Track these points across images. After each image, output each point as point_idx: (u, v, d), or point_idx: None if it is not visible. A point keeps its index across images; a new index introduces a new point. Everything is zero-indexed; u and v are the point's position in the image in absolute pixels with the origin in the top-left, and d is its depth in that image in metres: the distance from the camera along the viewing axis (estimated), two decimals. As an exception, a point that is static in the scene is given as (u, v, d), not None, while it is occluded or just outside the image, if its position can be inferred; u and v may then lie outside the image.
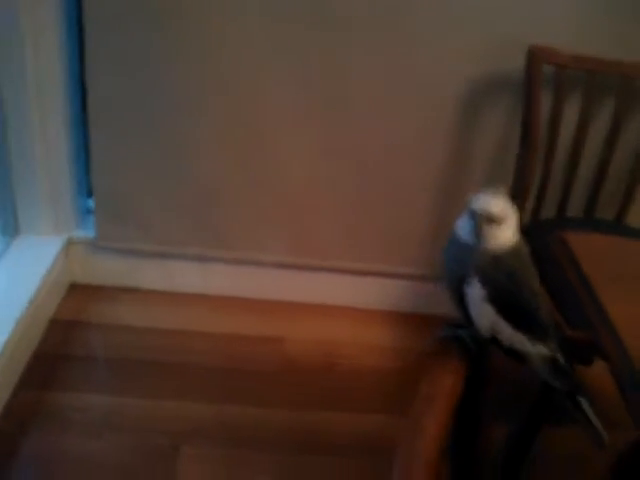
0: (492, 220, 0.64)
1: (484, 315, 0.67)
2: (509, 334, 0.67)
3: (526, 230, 1.49)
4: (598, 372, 0.87)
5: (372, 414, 1.58)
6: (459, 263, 0.67)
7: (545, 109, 1.49)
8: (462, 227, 0.67)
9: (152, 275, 1.85)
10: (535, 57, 1.43)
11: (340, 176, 1.74)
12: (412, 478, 0.53)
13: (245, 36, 1.54)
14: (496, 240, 0.66)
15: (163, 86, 1.59)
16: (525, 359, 0.68)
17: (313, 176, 1.73)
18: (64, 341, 1.67)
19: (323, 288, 1.88)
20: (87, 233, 1.80)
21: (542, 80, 1.44)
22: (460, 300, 0.68)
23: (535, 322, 0.68)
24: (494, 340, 0.68)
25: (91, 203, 1.79)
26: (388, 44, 1.57)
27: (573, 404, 0.67)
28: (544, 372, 0.68)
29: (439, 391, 0.63)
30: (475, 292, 0.66)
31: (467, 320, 0.69)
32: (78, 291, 1.82)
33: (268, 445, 1.47)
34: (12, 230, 1.75)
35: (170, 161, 1.69)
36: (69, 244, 1.79)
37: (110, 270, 1.84)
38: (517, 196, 1.50)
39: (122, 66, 1.58)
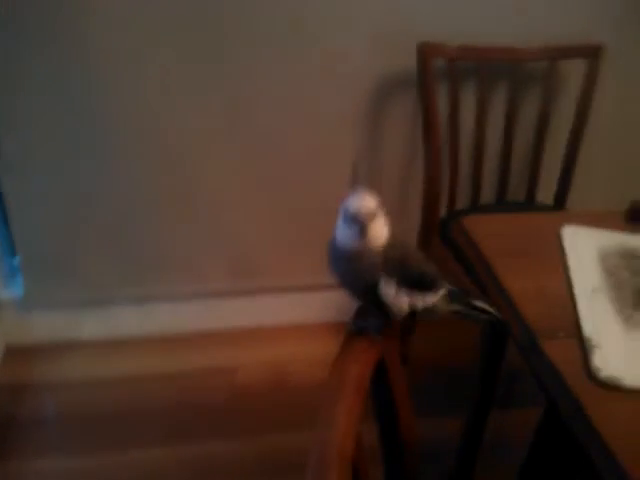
0: (372, 216, 0.66)
1: (402, 299, 0.70)
2: (420, 299, 0.72)
3: (442, 222, 1.56)
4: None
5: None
6: (361, 272, 0.68)
7: (444, 103, 1.54)
8: (343, 237, 0.67)
9: (90, 324, 1.82)
10: (424, 53, 1.48)
11: (267, 196, 1.75)
12: (326, 468, 0.54)
13: (158, 80, 1.56)
14: (379, 235, 0.68)
15: (77, 132, 1.59)
16: (434, 311, 0.74)
17: (243, 197, 1.74)
18: (9, 406, 1.63)
19: (266, 310, 1.89)
20: (16, 292, 1.77)
21: (434, 74, 1.49)
22: (371, 299, 0.70)
23: (429, 279, 0.74)
24: (412, 314, 0.72)
25: (16, 262, 1.76)
26: (288, 54, 1.59)
27: (474, 310, 0.76)
28: (446, 304, 0.75)
29: (347, 380, 0.64)
30: (390, 288, 0.68)
31: (378, 309, 0.71)
32: (15, 353, 1.78)
33: (231, 475, 1.46)
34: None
35: (93, 205, 1.68)
36: (-1, 306, 1.76)
37: (46, 326, 1.80)
38: (430, 189, 1.55)
39: (32, 121, 1.56)
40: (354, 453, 0.57)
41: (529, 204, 1.65)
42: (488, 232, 0.95)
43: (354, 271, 0.68)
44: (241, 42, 1.56)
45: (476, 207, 1.62)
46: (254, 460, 1.51)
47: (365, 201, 0.66)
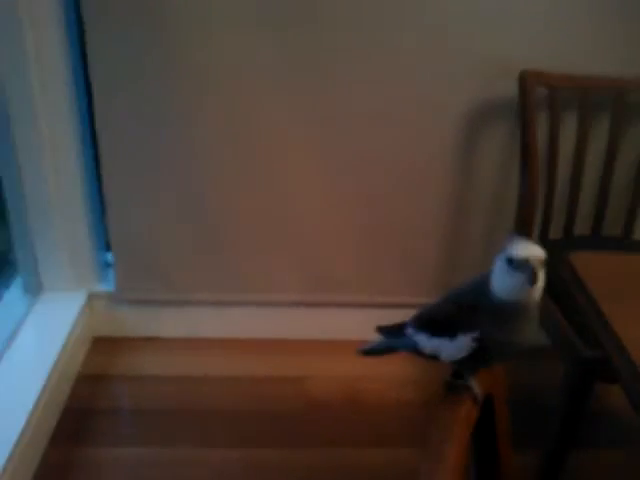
0: (541, 264, 0.60)
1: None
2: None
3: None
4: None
5: (399, 448, 1.58)
6: (523, 327, 0.63)
7: (543, 131, 1.52)
8: (507, 286, 0.61)
9: (172, 323, 1.89)
10: (527, 81, 1.46)
11: (350, 210, 1.76)
12: None
13: (257, 81, 1.60)
14: (540, 288, 0.61)
15: (177, 135, 1.65)
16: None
17: (323, 213, 1.77)
18: (91, 395, 1.70)
19: (341, 323, 1.89)
20: (107, 286, 1.85)
21: (536, 103, 1.48)
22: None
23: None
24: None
25: (110, 256, 1.85)
26: (386, 76, 1.60)
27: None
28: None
29: (456, 418, 0.64)
30: None
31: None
32: (102, 344, 1.86)
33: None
34: (35, 288, 1.80)
35: (185, 209, 1.74)
36: (90, 298, 1.84)
37: (131, 321, 1.88)
38: (523, 218, 1.53)
39: (132, 120, 1.63)
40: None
41: (626, 239, 1.59)
42: (598, 271, 0.92)
43: (518, 326, 0.62)
44: (341, 59, 1.59)
45: (570, 238, 1.58)
46: (318, 472, 1.52)
47: (535, 248, 0.61)
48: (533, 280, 0.59)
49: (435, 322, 0.69)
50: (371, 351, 0.83)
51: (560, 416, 1.30)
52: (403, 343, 0.74)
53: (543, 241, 1.56)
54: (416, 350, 0.72)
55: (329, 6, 1.54)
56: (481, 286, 0.63)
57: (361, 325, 1.92)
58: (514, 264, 0.59)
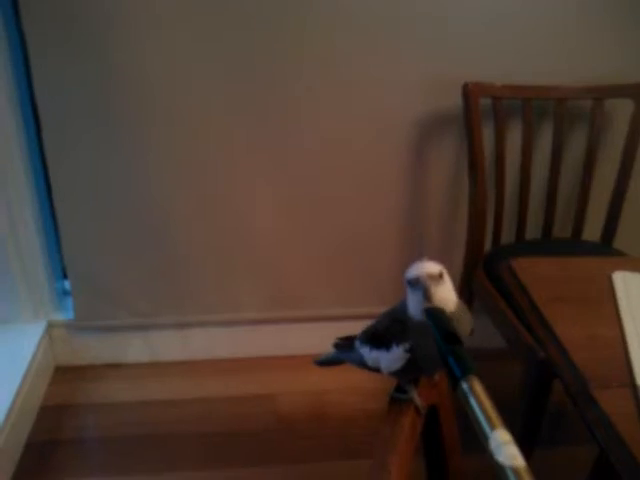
0: (435, 280, 0.63)
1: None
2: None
3: (487, 256, 1.56)
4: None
5: (368, 459, 1.58)
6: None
7: (489, 139, 1.56)
8: (411, 306, 0.65)
9: (134, 348, 1.87)
10: (470, 92, 1.50)
11: (306, 224, 1.78)
12: None
13: (207, 101, 1.60)
14: (445, 301, 0.63)
15: (129, 163, 1.64)
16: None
17: (280, 229, 1.78)
18: (55, 426, 1.67)
19: (305, 338, 1.89)
20: (66, 315, 1.83)
21: (480, 113, 1.51)
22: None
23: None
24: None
25: (67, 284, 1.83)
26: (336, 92, 1.63)
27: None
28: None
29: (399, 430, 0.66)
30: None
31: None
32: (64, 374, 1.84)
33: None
34: (-8, 321, 1.77)
35: (140, 234, 1.73)
36: (50, 328, 1.82)
37: (92, 348, 1.86)
38: (475, 225, 1.56)
39: (84, 148, 1.62)
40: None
41: (575, 241, 1.64)
42: (538, 276, 0.95)
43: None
44: (286, 76, 1.60)
45: (521, 242, 1.62)
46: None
47: (427, 265, 0.64)
48: (427, 296, 0.61)
49: (375, 335, 0.71)
50: (323, 362, 0.87)
51: (522, 415, 1.32)
52: (351, 356, 0.77)
53: (495, 246, 1.60)
54: (361, 362, 0.74)
55: (282, 19, 1.55)
56: (404, 303, 0.66)
57: (325, 339, 1.92)
58: (410, 284, 0.63)
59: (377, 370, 0.71)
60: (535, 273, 0.95)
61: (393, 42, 1.59)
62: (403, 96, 1.64)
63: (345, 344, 0.81)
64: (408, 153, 1.72)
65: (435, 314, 0.60)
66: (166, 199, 1.70)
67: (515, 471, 0.40)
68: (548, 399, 1.29)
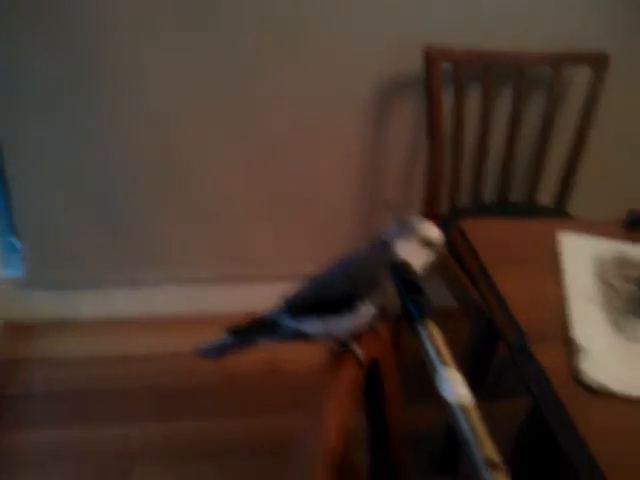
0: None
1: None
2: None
3: (443, 218, 1.58)
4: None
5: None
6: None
7: (449, 104, 1.56)
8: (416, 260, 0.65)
9: (88, 305, 1.85)
10: (430, 56, 1.49)
11: (262, 184, 1.77)
12: (312, 470, 0.55)
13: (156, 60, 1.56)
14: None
15: (74, 116, 1.60)
16: None
17: (235, 186, 1.76)
18: (5, 381, 1.65)
19: (258, 296, 1.90)
20: (16, 271, 1.79)
21: (441, 77, 1.51)
22: None
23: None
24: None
25: (17, 241, 1.78)
26: (298, 55, 1.60)
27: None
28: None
29: (338, 380, 0.65)
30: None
31: None
32: (13, 330, 1.80)
33: (220, 455, 1.50)
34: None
35: (91, 189, 1.69)
36: (-1, 284, 1.78)
37: (43, 305, 1.83)
38: (432, 188, 1.57)
39: (35, 104, 1.57)
40: (341, 449, 0.58)
41: (530, 205, 1.67)
42: (487, 237, 0.96)
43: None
44: (246, 43, 1.57)
45: (478, 206, 1.64)
46: (247, 441, 1.55)
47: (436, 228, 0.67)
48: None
49: (325, 303, 0.68)
50: (209, 351, 0.80)
51: (467, 372, 1.36)
52: (276, 336, 0.72)
53: (452, 209, 1.61)
54: (295, 336, 0.70)
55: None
56: (382, 258, 0.65)
57: (276, 297, 1.94)
58: (417, 238, 0.64)
59: (319, 338, 0.69)
60: (484, 234, 0.97)
61: (354, 3, 1.56)
62: (363, 58, 1.63)
63: (252, 327, 0.74)
64: (367, 116, 1.71)
65: (402, 265, 0.60)
66: (118, 155, 1.66)
67: (463, 408, 0.41)
68: (492, 357, 1.33)
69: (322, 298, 0.69)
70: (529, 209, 1.66)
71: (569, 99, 1.68)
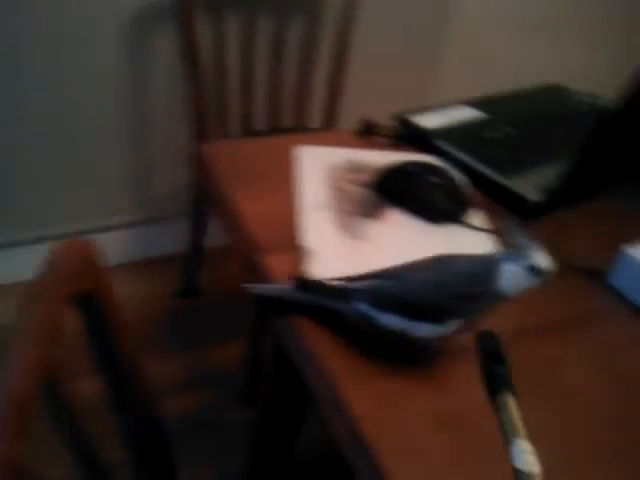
0: None
1: None
2: None
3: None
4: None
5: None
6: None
7: (206, 31, 1.51)
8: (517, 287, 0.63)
9: None
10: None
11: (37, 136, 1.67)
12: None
13: None
14: None
15: None
16: None
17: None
18: None
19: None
20: None
21: (194, 3, 1.45)
22: None
23: None
24: None
25: None
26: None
27: None
28: None
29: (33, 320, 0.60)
30: None
31: None
32: None
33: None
34: None
35: None
36: None
37: None
38: (197, 121, 1.53)
39: None
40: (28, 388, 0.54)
41: (299, 130, 1.69)
42: (228, 157, 0.95)
43: None
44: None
45: (249, 135, 1.63)
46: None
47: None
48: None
49: (409, 305, 0.65)
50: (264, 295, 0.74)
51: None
52: (344, 309, 0.68)
53: (221, 139, 1.59)
54: (363, 322, 0.67)
55: None
56: (483, 276, 0.63)
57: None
58: (535, 272, 0.61)
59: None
60: (225, 156, 0.95)
61: None
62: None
63: (324, 291, 0.68)
64: (121, 52, 1.64)
65: (488, 334, 0.58)
66: None
67: (531, 476, 0.48)
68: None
69: (409, 303, 0.65)
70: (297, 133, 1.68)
71: (328, 19, 1.70)
